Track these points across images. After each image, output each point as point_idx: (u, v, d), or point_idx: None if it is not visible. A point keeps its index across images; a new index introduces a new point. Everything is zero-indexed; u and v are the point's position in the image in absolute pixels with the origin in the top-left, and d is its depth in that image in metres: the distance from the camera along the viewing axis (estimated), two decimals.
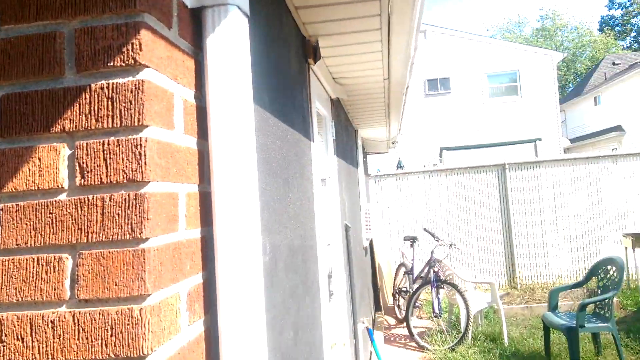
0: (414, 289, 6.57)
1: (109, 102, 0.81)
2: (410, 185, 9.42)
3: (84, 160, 0.81)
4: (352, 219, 4.73)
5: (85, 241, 0.80)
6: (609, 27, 43.92)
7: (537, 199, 9.11)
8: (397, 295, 7.18)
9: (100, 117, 0.81)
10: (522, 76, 20.07)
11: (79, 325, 0.78)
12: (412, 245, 6.82)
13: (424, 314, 7.32)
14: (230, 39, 1.01)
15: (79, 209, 0.80)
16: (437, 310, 5.88)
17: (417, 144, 19.83)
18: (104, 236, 0.79)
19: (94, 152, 0.81)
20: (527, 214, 9.11)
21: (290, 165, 1.89)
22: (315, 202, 2.47)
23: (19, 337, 0.79)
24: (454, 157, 9.99)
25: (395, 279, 7.48)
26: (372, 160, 15.58)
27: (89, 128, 0.81)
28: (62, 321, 0.79)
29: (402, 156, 17.95)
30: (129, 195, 0.79)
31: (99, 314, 0.78)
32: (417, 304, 6.43)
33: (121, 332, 0.77)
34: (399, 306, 7.22)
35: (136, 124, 0.80)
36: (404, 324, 6.92)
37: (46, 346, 0.79)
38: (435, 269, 5.97)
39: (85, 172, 0.81)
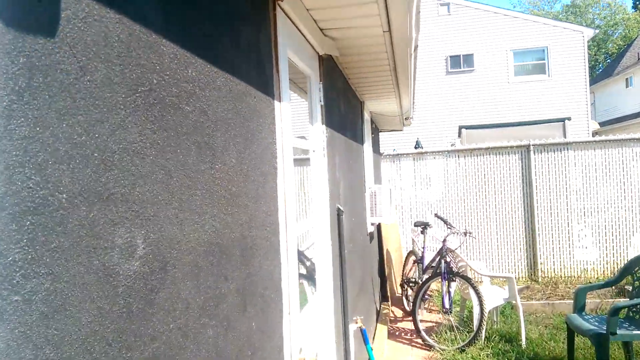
0: (422, 280, 5.98)
1: None
2: (427, 166, 8.75)
3: None
4: (351, 202, 4.13)
5: None
6: None
7: (563, 184, 8.37)
8: (405, 286, 6.60)
9: None
10: (550, 53, 18.97)
11: None
12: (423, 232, 6.21)
13: (434, 307, 6.74)
14: None
15: None
16: (447, 306, 5.28)
17: (437, 123, 19.02)
18: None
19: None
20: (552, 200, 8.38)
21: (218, 126, 1.30)
22: (279, 180, 1.88)
23: None
24: (474, 136, 9.25)
25: (404, 268, 6.89)
26: (388, 140, 14.89)
27: None
28: None
29: (421, 136, 17.22)
30: None
31: None
32: (426, 297, 5.84)
33: None
34: (407, 297, 6.65)
35: None
36: (411, 317, 6.36)
37: None
38: (447, 260, 5.35)
39: None
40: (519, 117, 17.42)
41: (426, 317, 6.29)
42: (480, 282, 5.85)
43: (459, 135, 9.78)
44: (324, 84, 2.95)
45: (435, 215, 5.76)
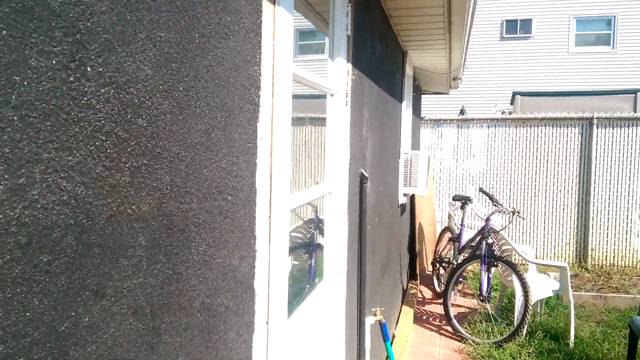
0: (458, 262, 5.30)
1: None
2: (472, 135, 7.90)
3: None
4: (380, 168, 3.45)
5: None
6: None
7: (627, 164, 7.38)
8: (437, 265, 5.93)
9: None
10: (618, 23, 17.23)
11: None
12: (462, 208, 5.47)
13: (468, 290, 6.07)
14: None
15: None
16: (485, 293, 4.60)
17: (484, 92, 17.79)
18: None
19: None
20: (612, 181, 7.43)
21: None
22: (262, 124, 1.23)
23: None
24: (529, 104, 8.27)
25: (437, 245, 6.20)
26: (428, 105, 13.89)
27: None
28: None
29: (466, 104, 16.14)
30: None
31: None
32: (460, 279, 5.17)
33: None
34: (438, 277, 5.99)
35: None
36: (442, 300, 5.73)
37: None
38: (489, 241, 4.64)
39: None
40: (581, 86, 16.04)
41: (459, 301, 5.64)
42: (525, 268, 5.12)
43: (512, 103, 8.80)
44: (355, 12, 2.24)
45: (480, 189, 5.01)
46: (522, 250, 4.71)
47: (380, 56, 3.25)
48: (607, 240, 7.47)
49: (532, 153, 7.66)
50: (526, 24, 18.29)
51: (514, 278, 4.44)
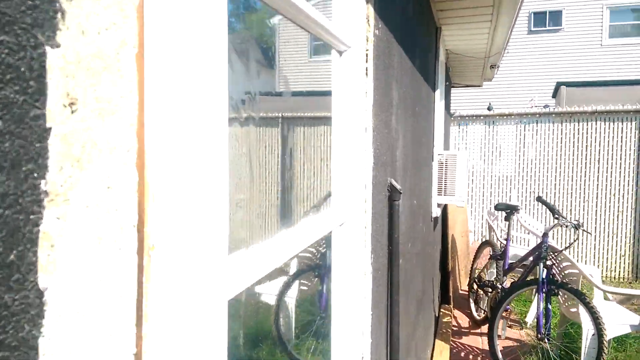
0: (503, 285, 4.36)
1: None
2: (502, 133, 6.94)
3: None
4: (413, 174, 2.55)
5: None
6: None
7: None
8: (475, 286, 4.99)
9: None
10: None
11: None
12: (507, 219, 4.53)
13: (514, 315, 5.11)
14: None
15: None
16: (543, 329, 3.64)
17: (514, 88, 16.68)
18: None
19: None
20: None
21: None
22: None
23: None
24: (576, 97, 7.27)
25: (474, 262, 5.25)
26: (454, 100, 12.87)
27: None
28: None
29: (493, 101, 15.10)
30: None
31: None
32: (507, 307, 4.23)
33: None
34: (476, 301, 5.04)
35: None
36: (482, 328, 4.79)
37: None
38: (548, 263, 3.69)
39: None
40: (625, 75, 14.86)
41: (504, 331, 4.68)
42: (589, 294, 4.15)
43: (554, 95, 7.80)
44: None
45: (538, 198, 4.04)
46: (589, 272, 3.75)
47: (412, 20, 2.36)
48: None
49: (580, 152, 6.65)
50: (555, 16, 17.17)
51: (582, 310, 3.49)
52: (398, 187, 1.64)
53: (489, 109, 10.88)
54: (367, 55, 1.33)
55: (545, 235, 3.75)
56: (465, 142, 7.15)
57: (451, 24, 3.70)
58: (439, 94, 3.88)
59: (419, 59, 2.79)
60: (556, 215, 3.69)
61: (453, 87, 6.84)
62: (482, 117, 7.10)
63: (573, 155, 6.69)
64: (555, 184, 6.74)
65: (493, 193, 6.98)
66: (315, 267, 4.34)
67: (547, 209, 3.91)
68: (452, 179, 3.82)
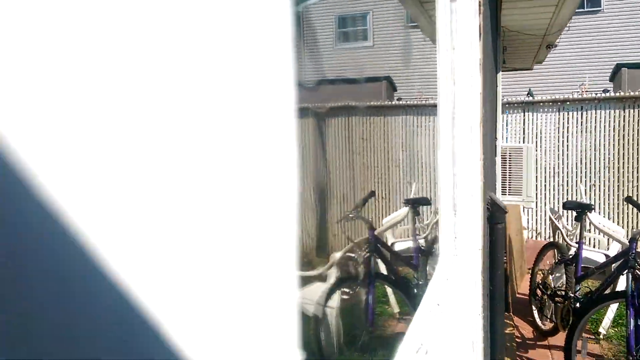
0: (576, 294, 3.78)
1: None
2: (543, 121, 6.31)
3: None
4: (486, 173, 2.04)
5: None
6: None
7: None
8: (539, 294, 4.41)
9: None
10: None
11: None
12: (578, 219, 3.94)
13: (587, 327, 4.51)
14: None
15: None
16: (634, 351, 3.07)
17: (554, 74, 15.70)
18: None
19: None
20: None
21: None
22: None
23: None
24: (638, 79, 6.55)
25: (535, 265, 4.66)
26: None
27: None
28: None
29: (532, 87, 14.27)
30: None
31: None
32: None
33: None
34: (540, 309, 4.47)
35: None
36: (549, 340, 4.23)
37: None
38: (637, 273, 3.11)
39: None
40: None
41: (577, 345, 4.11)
42: None
43: (612, 79, 7.07)
44: None
45: (627, 199, 3.46)
46: None
47: None
48: None
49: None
50: None
51: None
52: (501, 204, 1.14)
53: (529, 94, 10.15)
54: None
55: (633, 240, 3.17)
56: (507, 132, 6.56)
57: None
58: (500, 78, 3.34)
59: (485, 33, 2.26)
60: None
61: (503, 70, 6.23)
62: (522, 105, 6.49)
63: (638, 145, 5.99)
64: (613, 180, 6.06)
65: (548, 187, 6.34)
66: (358, 274, 3.82)
67: (638, 210, 3.30)
68: (517, 176, 3.29)
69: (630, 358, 3.09)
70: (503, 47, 4.48)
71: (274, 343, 0.26)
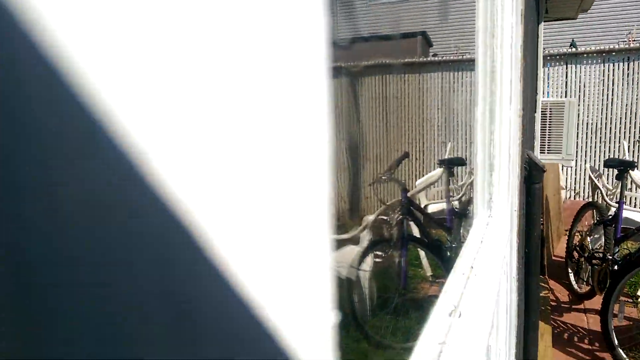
0: (614, 256, 3.70)
1: None
2: (587, 74, 6.00)
3: None
4: (525, 131, 1.97)
5: None
6: None
7: None
8: (576, 256, 4.33)
9: None
10: None
11: None
12: (619, 178, 3.80)
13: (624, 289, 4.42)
14: None
15: None
16: None
17: (599, 21, 14.82)
18: None
19: None
20: None
21: None
22: None
23: None
24: None
25: (572, 227, 4.57)
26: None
27: None
28: None
29: (576, 38, 13.55)
30: None
31: None
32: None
33: None
34: (576, 272, 4.40)
35: None
36: (584, 304, 4.19)
37: None
38: None
39: None
40: None
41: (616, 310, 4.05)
42: None
43: None
44: None
45: None
46: None
47: None
48: None
49: None
50: None
51: None
52: (540, 163, 1.10)
53: (572, 45, 9.66)
54: None
55: None
56: (548, 86, 6.28)
57: None
58: (542, 28, 3.17)
59: None
60: None
61: (545, 20, 5.93)
62: (564, 57, 6.18)
63: None
64: None
65: (589, 144, 6.10)
66: (391, 237, 3.82)
67: None
68: (557, 133, 3.17)
69: None
70: None
71: (308, 304, 0.26)
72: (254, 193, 0.22)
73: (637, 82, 5.82)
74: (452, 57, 6.73)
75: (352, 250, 3.59)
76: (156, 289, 0.21)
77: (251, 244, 0.22)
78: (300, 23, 0.23)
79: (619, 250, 3.75)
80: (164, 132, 0.20)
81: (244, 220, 0.22)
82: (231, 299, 0.21)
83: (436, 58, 7.08)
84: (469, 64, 6.32)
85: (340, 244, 3.59)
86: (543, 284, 4.39)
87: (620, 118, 5.93)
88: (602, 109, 6.00)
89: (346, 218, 6.21)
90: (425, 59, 7.00)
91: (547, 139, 3.17)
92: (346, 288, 3.44)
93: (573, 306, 4.19)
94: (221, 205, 0.21)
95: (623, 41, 9.46)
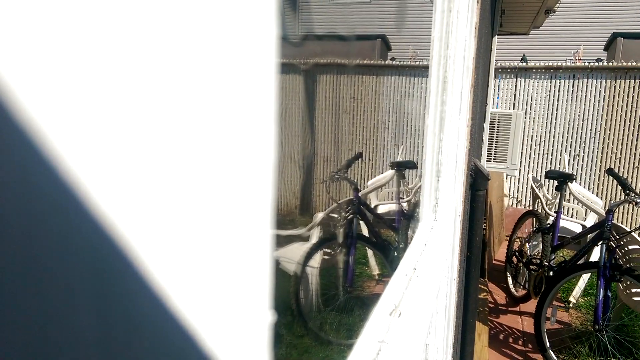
0: (550, 263, 3.89)
1: None
2: (535, 88, 6.29)
3: None
4: (473, 140, 2.03)
5: None
6: None
7: None
8: (514, 261, 4.53)
9: None
10: None
11: None
12: (559, 189, 4.00)
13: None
14: None
15: None
16: (601, 321, 3.20)
17: (550, 39, 15.53)
18: None
19: None
20: None
21: None
22: None
23: None
24: (633, 51, 6.51)
25: (513, 233, 4.77)
26: None
27: None
28: None
29: (527, 53, 14.12)
30: None
31: None
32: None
33: None
34: (515, 277, 4.60)
35: None
36: (520, 307, 4.39)
37: None
38: (612, 245, 3.20)
39: None
40: None
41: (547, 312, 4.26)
42: None
43: (607, 48, 7.02)
44: None
45: (609, 171, 3.51)
46: None
47: None
48: None
49: (634, 113, 5.98)
50: None
51: None
52: (485, 171, 1.14)
53: (523, 60, 10.07)
54: None
55: (610, 212, 3.23)
56: (498, 97, 6.53)
57: None
58: (495, 42, 3.29)
59: None
60: (627, 191, 3.16)
61: (499, 34, 6.14)
62: (514, 70, 6.44)
63: (626, 117, 6.03)
64: (602, 148, 6.13)
65: (533, 155, 6.39)
66: (340, 236, 3.85)
67: (619, 184, 3.34)
68: (504, 143, 3.30)
69: (597, 327, 3.22)
70: (501, 10, 4.39)
71: (243, 304, 0.26)
72: (185, 188, 0.22)
73: (581, 100, 6.15)
74: (409, 62, 6.86)
75: (301, 247, 3.59)
76: (79, 287, 0.20)
77: (178, 242, 0.22)
78: (244, 13, 0.22)
79: (555, 258, 3.95)
80: (86, 132, 0.19)
81: (171, 217, 0.21)
82: (153, 298, 0.21)
83: (394, 62, 7.19)
84: (424, 71, 6.46)
85: (289, 240, 3.59)
86: (483, 287, 4.56)
87: (563, 132, 6.24)
88: (546, 122, 6.29)
89: (297, 214, 6.21)
90: (382, 62, 7.10)
91: (494, 148, 3.29)
92: (292, 284, 3.44)
93: (510, 308, 4.38)
94: (142, 202, 0.21)
95: (570, 59, 9.96)
